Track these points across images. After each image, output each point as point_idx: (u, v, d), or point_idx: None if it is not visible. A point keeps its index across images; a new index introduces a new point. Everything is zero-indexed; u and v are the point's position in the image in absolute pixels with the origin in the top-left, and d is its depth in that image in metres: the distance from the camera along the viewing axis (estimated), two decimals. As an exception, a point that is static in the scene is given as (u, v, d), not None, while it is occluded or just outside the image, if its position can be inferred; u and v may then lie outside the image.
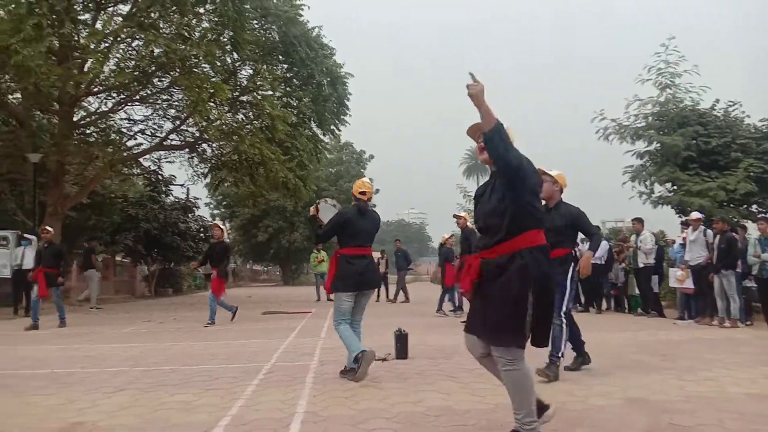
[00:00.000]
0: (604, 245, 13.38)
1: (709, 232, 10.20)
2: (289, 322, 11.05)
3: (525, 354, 3.07)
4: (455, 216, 11.27)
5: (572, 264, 5.28)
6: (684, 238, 11.31)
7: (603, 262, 13.11)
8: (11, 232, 15.38)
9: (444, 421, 3.76)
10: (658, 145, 14.01)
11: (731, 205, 13.31)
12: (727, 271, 9.56)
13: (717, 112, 14.37)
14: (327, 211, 5.62)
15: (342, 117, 21.14)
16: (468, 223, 10.62)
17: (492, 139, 2.94)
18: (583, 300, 13.96)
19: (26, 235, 14.34)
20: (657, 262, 11.83)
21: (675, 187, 13.87)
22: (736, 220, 12.41)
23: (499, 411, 3.98)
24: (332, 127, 21.29)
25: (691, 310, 10.80)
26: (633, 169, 14.61)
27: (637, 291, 12.42)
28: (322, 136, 21.33)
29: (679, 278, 10.75)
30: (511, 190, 3.04)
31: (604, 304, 13.64)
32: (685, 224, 12.11)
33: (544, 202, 5.51)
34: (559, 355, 5.11)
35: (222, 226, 10.93)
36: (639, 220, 12.03)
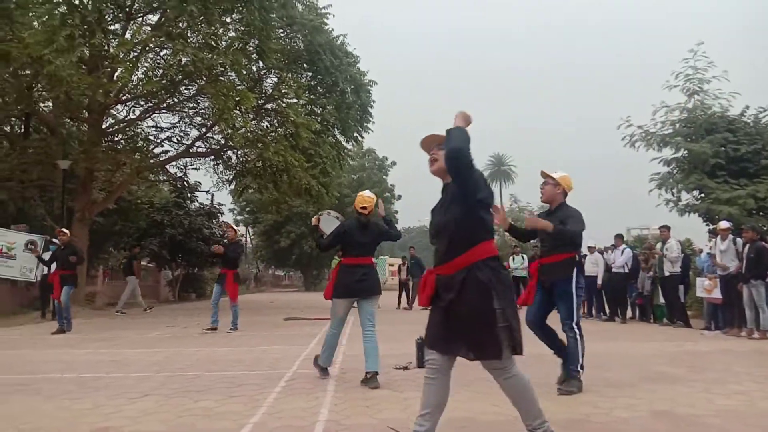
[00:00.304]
0: (627, 253, 13.22)
1: (739, 240, 10.01)
2: (310, 328, 11.09)
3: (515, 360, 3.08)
4: None
5: (575, 270, 5.05)
6: (711, 247, 11.12)
7: (627, 270, 12.95)
8: (39, 237, 15.71)
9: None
10: (686, 152, 13.81)
11: (761, 214, 13.05)
12: (757, 281, 9.36)
13: (747, 119, 14.11)
14: (329, 222, 6.03)
15: (365, 124, 21.26)
16: None
17: (458, 157, 2.91)
18: (608, 309, 13.80)
19: (54, 240, 14.62)
20: (683, 271, 11.65)
21: (703, 195, 13.64)
22: (766, 228, 12.16)
23: (520, 423, 3.93)
24: (355, 134, 21.42)
25: (719, 320, 10.59)
26: (660, 176, 14.41)
27: (662, 300, 12.23)
28: (345, 143, 21.47)
29: (706, 288, 10.56)
30: (463, 203, 3.02)
31: (629, 313, 13.45)
32: (712, 233, 11.90)
33: (543, 205, 5.46)
34: (578, 368, 5.00)
35: (235, 228, 10.97)
36: (666, 228, 11.86)
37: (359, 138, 22.28)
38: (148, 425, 3.98)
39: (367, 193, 5.87)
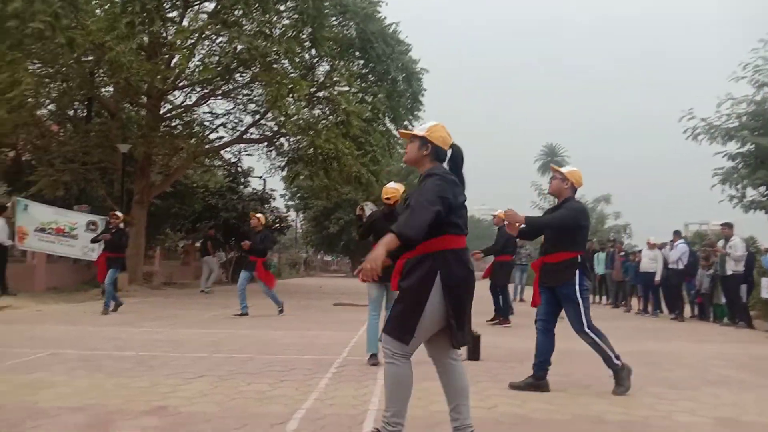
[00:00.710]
0: (681, 248, 12.76)
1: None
2: (359, 314, 11.12)
3: (412, 356, 3.12)
4: (493, 215, 11.17)
5: (578, 271, 4.80)
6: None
7: (682, 267, 12.50)
8: (100, 218, 16.31)
9: (520, 431, 3.67)
10: (752, 146, 13.14)
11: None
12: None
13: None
14: (370, 212, 6.42)
15: (416, 112, 21.15)
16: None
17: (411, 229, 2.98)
18: (664, 307, 13.40)
19: (114, 222, 15.14)
20: (746, 270, 11.14)
21: (770, 192, 13.00)
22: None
23: (577, 423, 3.86)
24: (405, 122, 21.33)
25: (785, 323, 10.10)
26: (723, 171, 13.76)
27: (723, 300, 11.76)
28: (395, 132, 21.42)
29: (772, 289, 10.08)
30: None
31: (688, 311, 13.01)
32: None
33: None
34: (616, 360, 4.83)
35: (259, 216, 10.66)
36: (729, 225, 11.36)
37: (410, 126, 22.18)
38: (203, 406, 4.07)
39: (391, 185, 6.25)
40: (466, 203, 3.25)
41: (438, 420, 3.81)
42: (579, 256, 4.85)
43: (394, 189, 6.13)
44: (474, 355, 6.21)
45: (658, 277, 12.77)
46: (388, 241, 2.95)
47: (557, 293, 4.92)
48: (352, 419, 3.83)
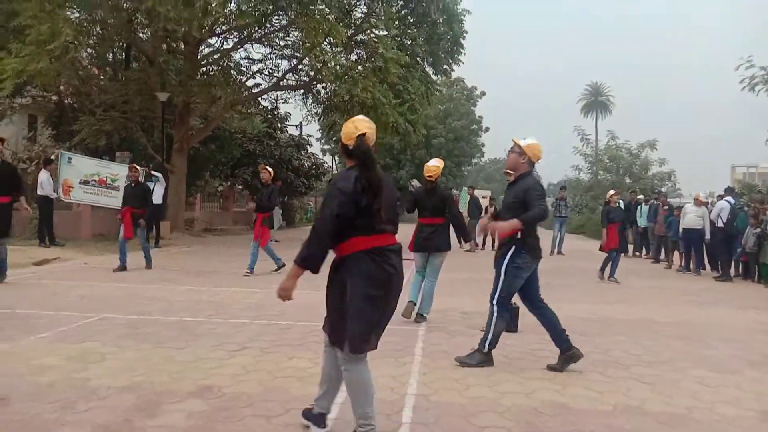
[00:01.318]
0: (720, 204, 12.33)
1: None
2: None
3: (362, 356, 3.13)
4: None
5: (514, 247, 4.72)
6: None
7: (722, 224, 12.11)
8: (141, 168, 16.58)
9: (559, 422, 3.66)
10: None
11: None
12: None
13: None
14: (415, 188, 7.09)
15: (456, 56, 20.53)
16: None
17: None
18: (708, 265, 13.12)
19: (154, 173, 15.40)
20: (799, 230, 10.71)
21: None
22: None
23: (618, 415, 3.83)
24: (445, 66, 20.77)
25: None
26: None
27: (770, 260, 11.40)
28: (434, 77, 20.89)
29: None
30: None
31: (733, 270, 12.68)
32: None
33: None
34: (487, 347, 4.83)
35: (269, 169, 10.32)
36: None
37: (449, 71, 21.59)
38: (246, 386, 4.17)
39: (432, 162, 6.70)
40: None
41: (479, 408, 3.82)
42: (519, 234, 4.71)
43: (435, 166, 6.58)
44: (512, 327, 6.18)
45: (707, 236, 12.40)
46: (293, 273, 3.13)
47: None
48: (391, 406, 3.87)
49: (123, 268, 9.97)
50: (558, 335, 4.88)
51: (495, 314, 4.84)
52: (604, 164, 29.89)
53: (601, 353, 5.45)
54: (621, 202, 16.53)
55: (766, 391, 4.49)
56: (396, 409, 3.82)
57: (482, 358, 4.83)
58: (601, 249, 11.41)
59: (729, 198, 12.68)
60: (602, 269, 11.24)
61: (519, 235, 4.71)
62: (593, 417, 3.79)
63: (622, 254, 11.78)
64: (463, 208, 16.89)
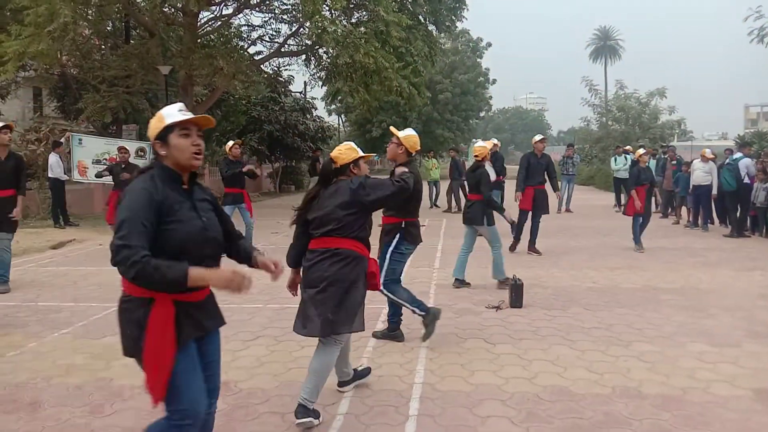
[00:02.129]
0: (745, 162, 12.27)
1: None
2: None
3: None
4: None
5: (399, 236, 5.09)
6: None
7: (749, 180, 12.12)
8: (148, 144, 16.68)
9: (559, 410, 3.84)
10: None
11: None
12: None
13: None
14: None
15: (459, 12, 20.15)
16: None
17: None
18: (716, 218, 13.19)
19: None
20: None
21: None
22: None
23: (617, 400, 4.00)
24: (448, 24, 20.41)
25: None
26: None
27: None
28: (436, 35, 20.55)
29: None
30: None
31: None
32: None
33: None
34: (421, 313, 5.17)
35: (238, 146, 10.08)
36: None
37: (453, 28, 21.23)
38: (261, 380, 4.39)
39: (479, 143, 7.71)
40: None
41: (484, 395, 4.01)
42: (402, 222, 5.08)
43: (481, 147, 7.56)
44: (517, 303, 6.35)
45: (714, 191, 12.42)
46: None
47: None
48: (399, 396, 4.07)
49: None
50: (396, 313, 5.35)
51: (392, 295, 5.16)
52: (614, 114, 29.58)
53: (604, 329, 5.61)
54: (627, 157, 16.54)
55: (763, 366, 4.62)
56: (404, 400, 4.02)
57: (429, 319, 5.16)
58: (625, 213, 10.77)
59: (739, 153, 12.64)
60: (637, 240, 10.17)
61: (403, 225, 5.08)
62: (593, 402, 3.96)
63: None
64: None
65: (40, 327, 5.81)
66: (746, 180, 12.09)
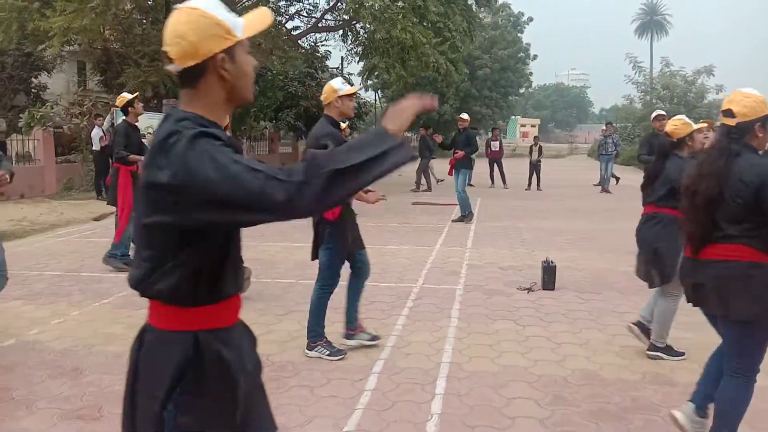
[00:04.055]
0: None
1: None
2: (438, 218, 11.36)
3: None
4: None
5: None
6: None
7: None
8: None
9: (586, 394, 3.83)
10: None
11: None
12: None
13: None
14: None
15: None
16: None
17: None
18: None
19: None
20: None
21: None
22: None
23: (646, 386, 3.97)
24: (489, -2, 20.03)
25: None
26: None
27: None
28: (476, 9, 20.19)
29: None
30: None
31: None
32: None
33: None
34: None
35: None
36: None
37: (493, 1, 20.81)
38: (291, 354, 4.49)
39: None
40: None
41: (511, 377, 4.03)
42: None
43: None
44: (549, 285, 6.30)
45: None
46: None
47: None
48: (426, 375, 4.12)
49: None
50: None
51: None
52: (658, 93, 28.71)
53: (637, 314, 5.51)
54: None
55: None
56: (430, 379, 4.06)
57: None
58: None
59: None
60: None
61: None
62: (621, 388, 3.93)
63: None
64: (512, 137, 16.41)
65: (83, 296, 6.04)
66: None
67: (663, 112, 9.18)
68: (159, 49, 16.96)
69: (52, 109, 15.79)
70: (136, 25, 18.64)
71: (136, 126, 7.19)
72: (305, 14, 19.95)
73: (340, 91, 4.28)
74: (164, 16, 18.31)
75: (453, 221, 11.00)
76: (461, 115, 11.58)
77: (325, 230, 4.31)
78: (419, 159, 16.88)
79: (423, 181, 17.01)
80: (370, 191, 4.35)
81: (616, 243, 9.09)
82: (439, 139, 12.29)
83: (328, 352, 4.44)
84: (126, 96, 7.34)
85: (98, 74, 22.55)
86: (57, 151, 15.72)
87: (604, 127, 17.61)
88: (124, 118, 7.31)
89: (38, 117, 14.67)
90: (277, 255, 8.14)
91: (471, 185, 18.33)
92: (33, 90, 22.99)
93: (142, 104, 7.57)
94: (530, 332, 5.00)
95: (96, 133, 13.42)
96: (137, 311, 5.53)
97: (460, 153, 10.79)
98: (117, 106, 7.69)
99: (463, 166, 10.95)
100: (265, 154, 26.13)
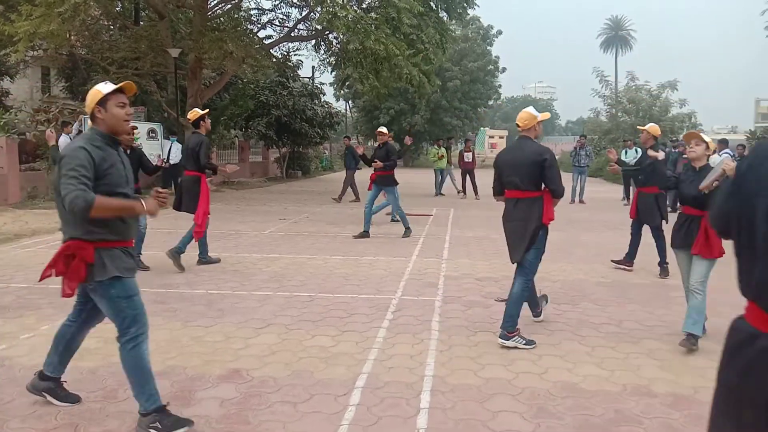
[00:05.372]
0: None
1: None
2: (414, 230, 11.35)
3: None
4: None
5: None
6: None
7: None
8: (159, 125, 16.69)
9: (570, 406, 3.85)
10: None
11: None
12: None
13: None
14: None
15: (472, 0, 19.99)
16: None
17: None
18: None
19: (173, 134, 15.54)
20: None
21: None
22: None
23: (627, 398, 4.01)
24: (460, 11, 20.25)
25: None
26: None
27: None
28: (448, 22, 20.41)
29: None
30: None
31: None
32: None
33: None
34: None
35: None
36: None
37: (464, 15, 21.06)
38: (273, 368, 4.41)
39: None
40: None
41: (494, 390, 4.02)
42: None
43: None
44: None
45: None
46: None
47: None
48: (409, 389, 4.09)
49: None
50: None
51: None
52: (624, 106, 29.38)
53: (614, 325, 5.61)
54: (638, 150, 16.41)
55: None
56: (414, 393, 4.03)
57: None
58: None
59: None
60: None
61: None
62: (603, 399, 3.97)
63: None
64: (480, 149, 16.60)
65: (53, 310, 5.85)
66: None
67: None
68: (127, 56, 16.72)
69: (17, 115, 15.36)
70: (104, 31, 18.34)
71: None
72: (278, 23, 19.86)
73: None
74: (133, 23, 18.08)
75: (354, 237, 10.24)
76: (380, 129, 10.88)
77: (538, 232, 4.92)
78: (345, 170, 16.84)
79: (350, 191, 16.84)
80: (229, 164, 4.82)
81: (590, 253, 9.23)
82: (360, 150, 11.97)
83: (524, 341, 4.88)
84: (198, 111, 7.71)
85: (63, 80, 22.08)
86: (21, 158, 15.27)
87: (578, 139, 17.92)
88: (195, 130, 7.78)
89: (1, 123, 14.25)
90: (251, 265, 8.03)
91: (442, 194, 18.48)
92: (-5, 95, 22.38)
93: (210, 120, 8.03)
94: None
95: (63, 140, 13.05)
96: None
97: (379, 164, 10.21)
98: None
99: (386, 183, 10.39)
100: (235, 163, 25.84)
